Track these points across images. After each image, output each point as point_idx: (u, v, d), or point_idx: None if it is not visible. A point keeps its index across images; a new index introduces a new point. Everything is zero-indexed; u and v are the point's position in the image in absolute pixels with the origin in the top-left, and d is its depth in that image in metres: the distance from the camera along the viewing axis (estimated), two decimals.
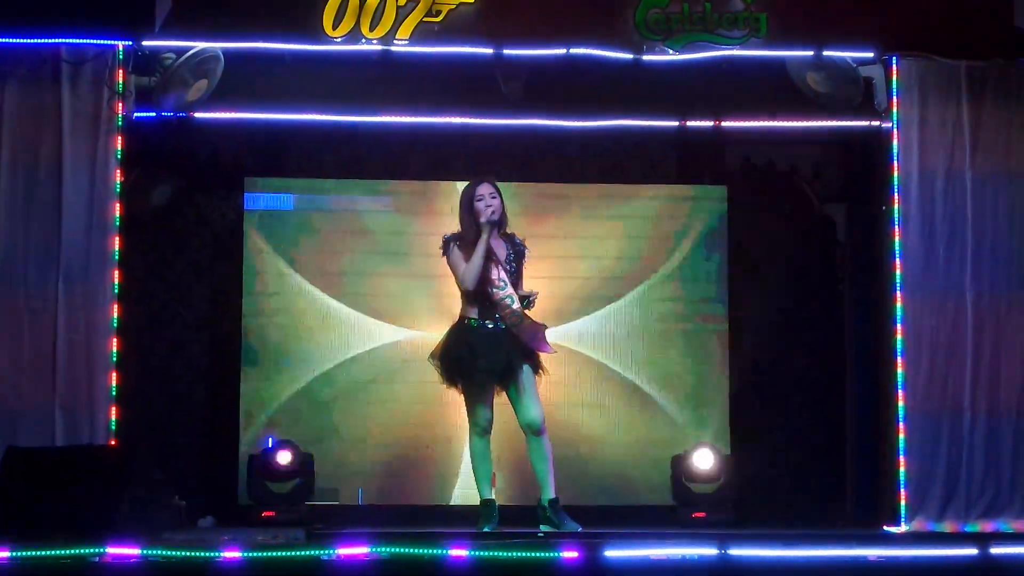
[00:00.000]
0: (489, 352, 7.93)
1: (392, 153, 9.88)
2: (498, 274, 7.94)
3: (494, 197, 8.01)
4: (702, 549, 7.25)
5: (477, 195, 8.02)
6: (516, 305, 7.91)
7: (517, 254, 8.10)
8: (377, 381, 9.73)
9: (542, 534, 7.59)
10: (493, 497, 8.06)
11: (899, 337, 8.66)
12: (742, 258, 9.99)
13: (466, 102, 9.11)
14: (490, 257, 7.94)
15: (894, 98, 8.77)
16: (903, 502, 8.55)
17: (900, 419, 8.60)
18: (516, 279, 8.04)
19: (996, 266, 8.72)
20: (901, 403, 8.61)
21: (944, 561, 7.39)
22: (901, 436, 8.59)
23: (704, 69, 8.86)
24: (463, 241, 8.01)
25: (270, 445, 9.21)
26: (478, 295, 7.98)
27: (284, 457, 9.07)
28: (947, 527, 8.48)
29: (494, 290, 7.93)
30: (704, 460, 9.21)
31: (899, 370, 8.65)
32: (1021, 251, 8.73)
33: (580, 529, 7.91)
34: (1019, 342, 8.68)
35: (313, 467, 9.19)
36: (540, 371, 8.09)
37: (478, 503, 8.22)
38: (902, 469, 8.56)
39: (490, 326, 7.98)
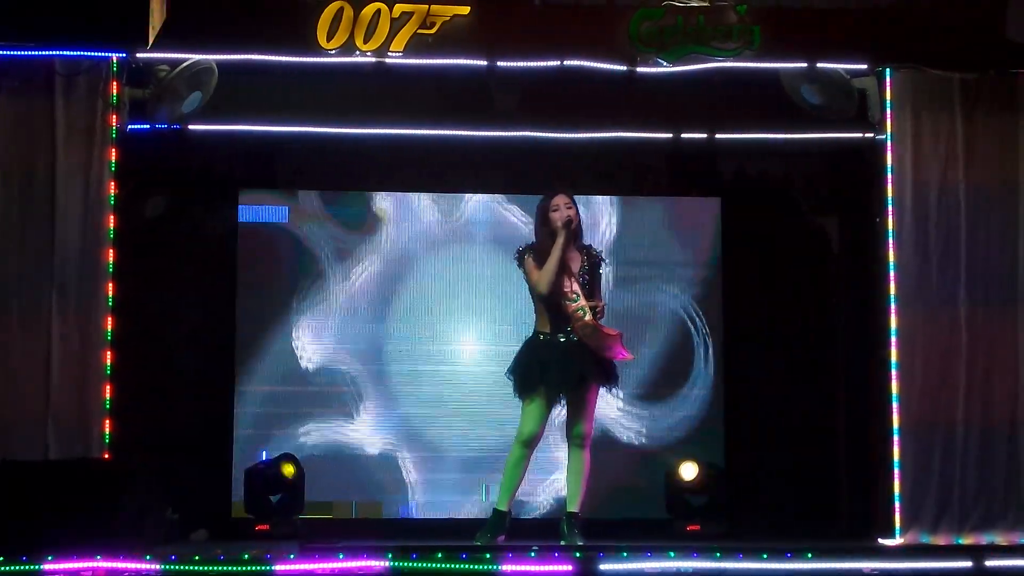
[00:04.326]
0: (561, 366, 7.94)
1: (386, 165, 9.88)
2: (571, 286, 7.95)
3: (569, 207, 8.05)
4: (697, 562, 7.26)
5: (552, 206, 8.06)
6: (588, 317, 7.91)
7: (592, 265, 8.11)
8: (371, 393, 9.73)
9: (536, 548, 7.58)
10: (506, 510, 8.03)
11: (892, 349, 8.65)
12: (735, 270, 10.00)
13: (460, 114, 9.13)
14: (564, 268, 7.95)
15: (888, 110, 8.76)
16: (897, 514, 8.53)
17: (894, 432, 8.58)
18: (591, 290, 8.04)
19: (990, 279, 8.71)
20: (895, 416, 8.59)
21: (939, 573, 7.41)
22: (895, 448, 8.57)
23: (698, 81, 8.85)
24: (537, 251, 8.03)
25: (264, 459, 9.20)
26: (550, 308, 7.99)
27: (278, 471, 9.05)
28: (941, 539, 8.46)
29: (566, 302, 7.94)
30: (689, 472, 9.21)
31: (893, 382, 8.63)
32: (1015, 264, 8.72)
33: (580, 543, 7.90)
34: (1012, 355, 8.67)
35: (306, 481, 9.18)
36: (615, 388, 8.16)
37: (470, 517, 8.22)
38: (896, 481, 8.54)
39: (562, 339, 7.98)
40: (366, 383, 9.74)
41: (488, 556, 7.30)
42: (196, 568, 7.23)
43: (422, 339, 9.79)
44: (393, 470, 9.68)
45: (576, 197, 9.29)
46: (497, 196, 9.93)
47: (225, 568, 7.21)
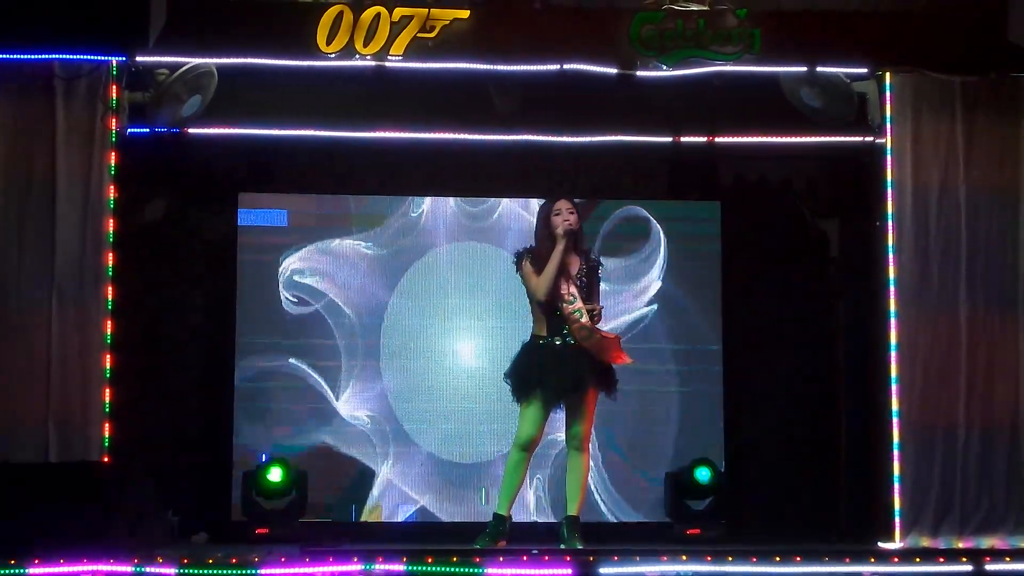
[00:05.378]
0: (558, 369, 7.92)
1: (386, 169, 9.88)
2: (568, 288, 7.94)
3: (571, 212, 8.04)
4: (696, 566, 7.26)
5: (555, 210, 8.05)
6: (585, 319, 7.90)
7: (590, 269, 8.09)
8: (371, 398, 9.73)
9: (536, 552, 7.58)
10: (506, 514, 8.02)
11: (893, 352, 8.65)
12: (735, 273, 9.99)
13: (460, 118, 9.13)
14: (562, 272, 7.94)
15: (888, 114, 8.77)
16: (897, 517, 8.53)
17: (894, 435, 8.58)
18: (588, 294, 8.03)
19: (989, 281, 8.71)
20: (895, 419, 8.60)
21: None
22: (895, 452, 8.57)
23: (697, 85, 8.85)
24: (535, 255, 8.02)
25: (264, 461, 9.18)
26: (547, 312, 7.98)
27: (278, 474, 9.05)
28: (942, 543, 8.45)
29: (564, 304, 7.92)
30: (703, 475, 9.21)
31: (893, 385, 8.64)
32: (1014, 266, 8.72)
33: (579, 547, 7.89)
34: (1012, 358, 8.67)
35: (307, 484, 9.17)
36: (613, 393, 8.09)
37: (471, 521, 8.22)
38: (896, 485, 8.54)
39: (558, 343, 7.97)
40: (367, 389, 9.72)
41: (487, 560, 7.30)
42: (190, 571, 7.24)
43: (420, 343, 9.78)
44: (392, 474, 9.67)
45: (577, 201, 9.40)
46: (497, 199, 9.92)
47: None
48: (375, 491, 9.66)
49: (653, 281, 9.93)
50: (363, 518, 9.60)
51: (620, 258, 9.79)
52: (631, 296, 9.86)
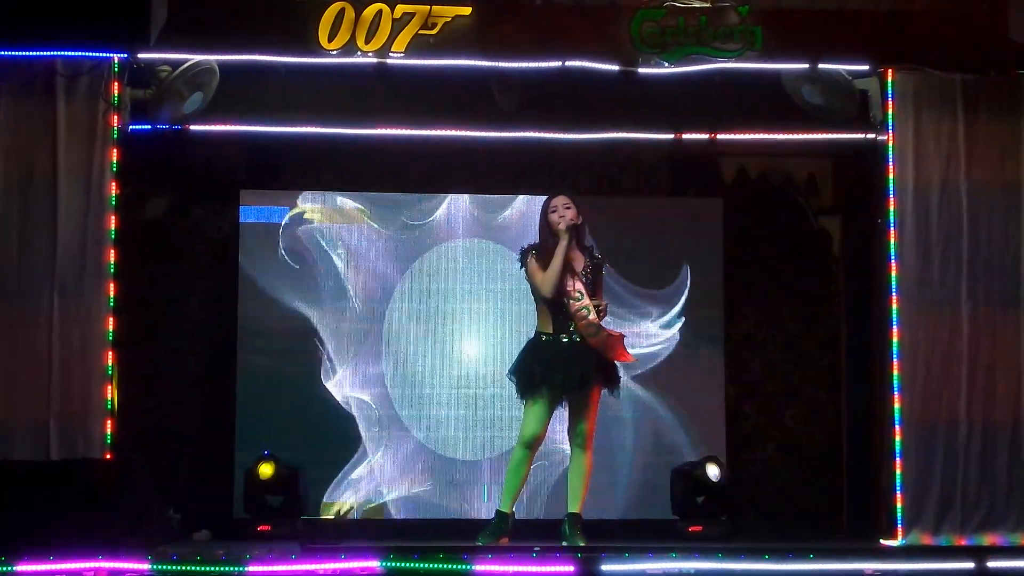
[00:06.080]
0: (564, 367, 7.93)
1: (387, 166, 9.88)
2: (574, 285, 7.94)
3: (568, 208, 8.05)
4: (699, 563, 7.26)
5: (551, 207, 8.07)
6: (592, 316, 7.90)
7: (595, 267, 8.10)
8: (372, 393, 9.73)
9: (538, 549, 7.58)
10: (507, 512, 8.02)
11: (894, 350, 8.65)
12: (737, 271, 10.01)
13: (461, 115, 9.10)
14: (567, 268, 7.95)
15: (889, 111, 8.76)
16: (899, 515, 8.53)
17: (896, 432, 8.58)
18: (593, 291, 8.03)
19: (991, 278, 8.71)
20: (897, 416, 8.60)
21: (941, 574, 7.41)
22: (897, 449, 8.58)
23: (699, 82, 8.84)
24: (540, 252, 8.03)
25: (260, 457, 9.17)
26: (553, 309, 7.98)
27: (278, 471, 9.03)
28: (943, 540, 8.45)
29: (570, 301, 7.93)
30: (713, 473, 9.20)
31: (895, 383, 8.64)
32: (1016, 264, 8.72)
33: (581, 544, 7.89)
34: (1015, 354, 8.66)
35: (307, 481, 9.17)
36: (616, 390, 8.11)
37: (473, 518, 8.22)
38: (898, 482, 8.54)
39: (564, 340, 7.98)
40: (367, 385, 9.73)
41: (490, 556, 7.31)
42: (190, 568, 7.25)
43: (423, 340, 9.78)
44: (395, 471, 9.67)
45: (578, 198, 9.37)
46: (497, 196, 9.92)
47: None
48: (376, 488, 9.66)
49: (678, 316, 9.93)
50: (364, 515, 9.60)
51: (649, 289, 9.84)
52: (657, 328, 9.87)
